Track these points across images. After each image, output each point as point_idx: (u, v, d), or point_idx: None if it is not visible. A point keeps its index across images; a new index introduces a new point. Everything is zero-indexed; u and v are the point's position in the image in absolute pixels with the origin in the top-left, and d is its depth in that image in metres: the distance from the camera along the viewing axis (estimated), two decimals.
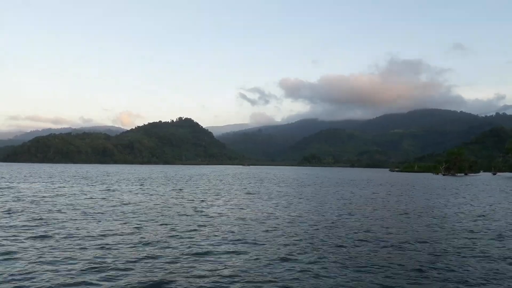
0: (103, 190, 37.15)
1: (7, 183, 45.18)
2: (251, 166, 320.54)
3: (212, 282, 9.30)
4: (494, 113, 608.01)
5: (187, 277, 9.62)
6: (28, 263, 10.61)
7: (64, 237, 13.96)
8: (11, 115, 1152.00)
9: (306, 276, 9.94)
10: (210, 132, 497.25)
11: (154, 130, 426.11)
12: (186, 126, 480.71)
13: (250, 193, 36.30)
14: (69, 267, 10.30)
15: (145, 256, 11.49)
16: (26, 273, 9.72)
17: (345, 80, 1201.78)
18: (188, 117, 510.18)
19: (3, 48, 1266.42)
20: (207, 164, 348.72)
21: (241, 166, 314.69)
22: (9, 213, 19.65)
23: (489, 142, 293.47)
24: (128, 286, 8.99)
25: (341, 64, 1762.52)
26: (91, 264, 10.52)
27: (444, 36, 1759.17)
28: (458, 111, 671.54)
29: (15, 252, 11.68)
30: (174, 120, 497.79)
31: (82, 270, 10.00)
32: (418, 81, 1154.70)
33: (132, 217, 19.32)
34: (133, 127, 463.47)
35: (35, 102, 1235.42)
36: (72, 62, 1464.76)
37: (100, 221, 17.72)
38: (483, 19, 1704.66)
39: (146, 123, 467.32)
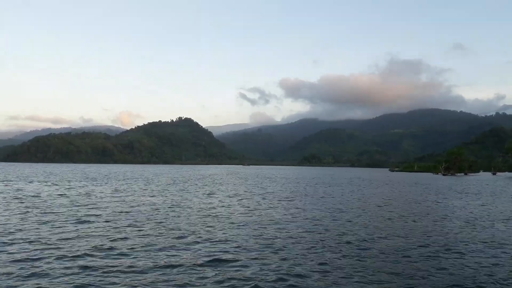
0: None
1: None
2: (251, 166, 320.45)
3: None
4: (494, 113, 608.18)
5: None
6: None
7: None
8: (11, 115, 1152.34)
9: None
10: (210, 132, 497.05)
11: (154, 130, 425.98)
12: (186, 126, 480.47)
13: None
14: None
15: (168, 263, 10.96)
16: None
17: (345, 80, 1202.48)
18: (188, 117, 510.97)
19: (3, 48, 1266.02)
20: (207, 164, 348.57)
21: (241, 166, 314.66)
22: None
23: (489, 142, 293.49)
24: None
25: (341, 64, 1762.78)
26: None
27: (444, 36, 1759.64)
28: (458, 111, 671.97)
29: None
30: (174, 120, 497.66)
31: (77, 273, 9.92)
32: (418, 81, 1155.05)
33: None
34: (133, 127, 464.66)
35: (35, 102, 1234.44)
36: (72, 62, 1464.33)
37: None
38: (483, 19, 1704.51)
39: (146, 123, 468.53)
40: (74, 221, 17.16)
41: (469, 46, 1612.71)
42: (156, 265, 10.49)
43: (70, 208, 21.81)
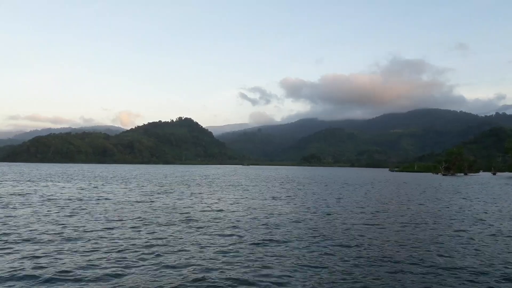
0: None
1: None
2: (250, 166, 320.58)
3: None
4: (494, 113, 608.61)
5: None
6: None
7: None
8: (10, 114, 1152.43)
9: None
10: (210, 132, 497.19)
11: (154, 130, 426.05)
12: (186, 125, 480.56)
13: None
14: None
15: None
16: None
17: (346, 79, 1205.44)
18: (188, 117, 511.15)
19: (3, 48, 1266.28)
20: (207, 164, 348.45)
21: (240, 165, 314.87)
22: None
23: (488, 142, 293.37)
24: None
25: (342, 64, 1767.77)
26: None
27: (446, 36, 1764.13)
28: (458, 111, 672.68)
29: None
30: (174, 120, 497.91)
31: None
32: (419, 81, 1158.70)
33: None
34: (133, 127, 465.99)
35: (35, 101, 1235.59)
36: (72, 61, 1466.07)
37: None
38: (485, 19, 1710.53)
39: (145, 122, 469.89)
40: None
41: (470, 46, 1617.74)
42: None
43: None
